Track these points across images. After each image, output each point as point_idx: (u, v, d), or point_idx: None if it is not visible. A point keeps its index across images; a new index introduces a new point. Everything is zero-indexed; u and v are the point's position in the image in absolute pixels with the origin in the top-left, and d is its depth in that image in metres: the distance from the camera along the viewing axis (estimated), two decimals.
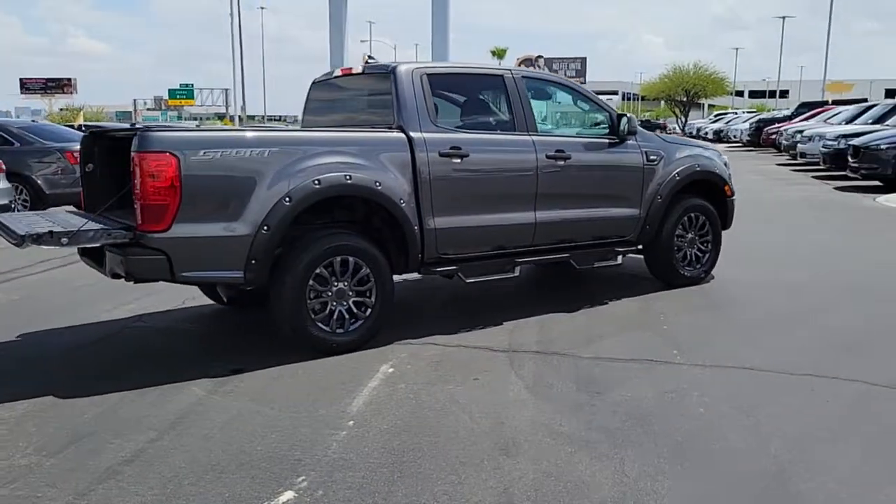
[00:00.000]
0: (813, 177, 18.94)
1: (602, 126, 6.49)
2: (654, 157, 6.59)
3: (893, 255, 8.81)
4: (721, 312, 6.29)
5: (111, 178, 5.65)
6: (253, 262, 4.73)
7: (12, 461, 3.57)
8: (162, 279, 4.75)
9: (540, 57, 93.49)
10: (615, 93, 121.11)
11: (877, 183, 16.02)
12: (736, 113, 49.67)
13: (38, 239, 4.31)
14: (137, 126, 4.63)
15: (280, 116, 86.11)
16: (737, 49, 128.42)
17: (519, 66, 67.79)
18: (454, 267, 5.60)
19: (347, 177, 5.01)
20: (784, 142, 25.27)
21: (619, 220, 6.45)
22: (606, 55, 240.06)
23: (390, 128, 5.42)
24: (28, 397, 4.35)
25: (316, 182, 4.88)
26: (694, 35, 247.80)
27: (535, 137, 5.94)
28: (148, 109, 73.55)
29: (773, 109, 51.45)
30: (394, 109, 5.43)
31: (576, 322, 5.87)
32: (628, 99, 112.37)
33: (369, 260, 5.14)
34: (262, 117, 78.09)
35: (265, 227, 4.73)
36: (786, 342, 5.31)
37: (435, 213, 5.39)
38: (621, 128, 6.34)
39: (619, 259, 6.50)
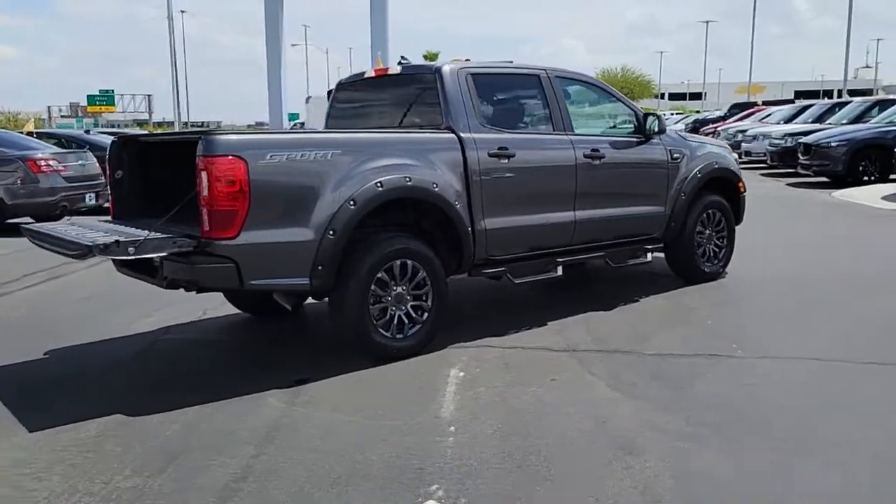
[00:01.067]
0: (762, 174, 19.55)
1: (627, 124, 6.54)
2: (678, 155, 6.68)
3: (874, 246, 9.14)
4: (749, 306, 6.40)
5: (142, 184, 5.44)
6: (319, 267, 4.60)
7: (115, 484, 3.37)
8: (229, 288, 4.58)
9: (468, 61, 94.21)
10: None
11: (824, 179, 16.65)
12: (664, 114, 50.90)
13: (106, 249, 4.09)
14: (193, 130, 4.43)
15: (202, 123, 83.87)
16: (661, 53, 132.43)
17: None
18: (502, 268, 5.56)
19: (407, 179, 4.92)
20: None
21: (648, 217, 6.52)
22: (530, 59, 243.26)
23: (438, 128, 5.34)
24: (93, 416, 4.12)
25: (378, 185, 4.77)
26: (612, 40, 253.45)
27: (572, 137, 5.95)
28: (62, 116, 70.70)
29: (696, 111, 52.81)
30: (441, 110, 5.35)
31: (619, 320, 5.90)
32: None
33: (426, 263, 5.05)
34: (186, 123, 76.13)
35: (331, 232, 4.60)
36: (828, 332, 5.44)
37: (485, 213, 5.34)
38: (649, 126, 6.41)
39: (649, 257, 6.56)
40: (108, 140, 15.29)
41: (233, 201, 4.30)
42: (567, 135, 5.93)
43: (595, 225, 6.09)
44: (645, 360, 4.91)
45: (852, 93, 56.14)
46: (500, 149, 5.42)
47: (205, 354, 5.43)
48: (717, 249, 7.14)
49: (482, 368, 4.81)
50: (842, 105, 21.94)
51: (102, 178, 12.99)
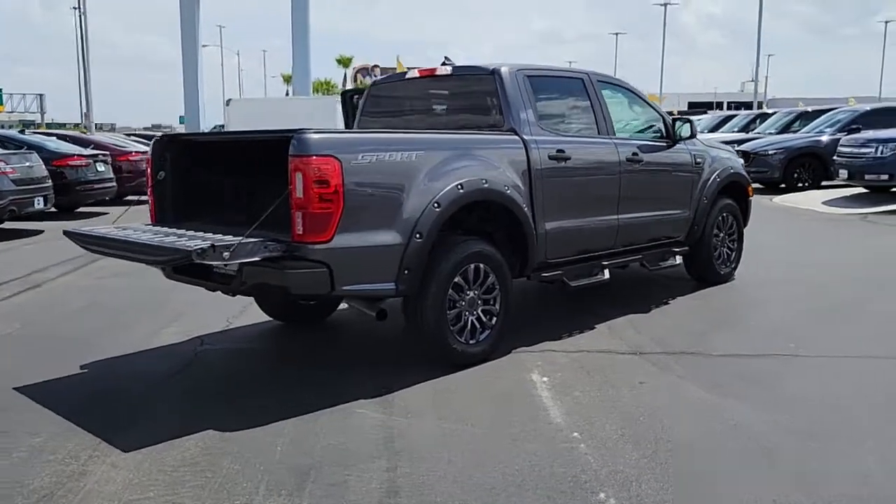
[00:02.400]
0: None
1: (656, 128, 6.61)
2: (700, 160, 6.81)
3: (853, 249, 9.57)
4: (780, 306, 6.45)
5: (185, 186, 5.14)
6: (406, 271, 4.44)
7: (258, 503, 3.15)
8: (319, 294, 4.36)
9: (376, 66, 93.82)
10: None
11: (758, 185, 17.35)
12: None
13: (203, 254, 3.82)
14: (278, 130, 4.17)
15: (76, 123, 79.49)
16: (570, 62, 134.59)
17: (356, 74, 66.82)
18: (559, 271, 5.52)
19: (484, 181, 4.82)
20: None
21: (676, 220, 6.61)
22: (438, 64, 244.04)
23: (501, 130, 5.26)
24: (184, 434, 3.84)
25: (459, 187, 4.65)
26: (519, 48, 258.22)
27: (615, 140, 5.98)
28: None
29: None
30: (503, 112, 5.28)
31: (662, 322, 5.95)
32: None
33: (495, 267, 4.95)
34: (77, 125, 72.55)
35: (418, 235, 4.45)
36: (867, 330, 5.62)
37: (545, 216, 5.29)
38: (678, 132, 6.50)
39: (678, 259, 6.66)
40: (48, 141, 14.51)
41: (327, 203, 4.10)
42: (611, 138, 5.95)
43: (634, 228, 6.13)
44: (716, 361, 4.96)
45: (739, 105, 59.14)
46: (558, 151, 5.38)
47: (256, 365, 5.16)
48: (729, 252, 7.31)
49: (563, 373, 4.75)
50: (764, 116, 22.97)
51: (49, 181, 12.28)
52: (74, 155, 14.02)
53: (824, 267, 8.22)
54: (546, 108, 5.53)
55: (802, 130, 18.36)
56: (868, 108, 17.83)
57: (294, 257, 4.14)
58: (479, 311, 4.92)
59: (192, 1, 39.36)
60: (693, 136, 6.55)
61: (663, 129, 6.56)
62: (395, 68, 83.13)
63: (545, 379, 4.64)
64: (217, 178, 5.24)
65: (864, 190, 14.92)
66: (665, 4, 62.59)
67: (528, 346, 5.28)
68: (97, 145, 16.39)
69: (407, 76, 5.95)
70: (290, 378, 4.80)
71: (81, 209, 14.83)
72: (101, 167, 14.48)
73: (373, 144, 4.38)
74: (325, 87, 69.11)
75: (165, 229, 4.76)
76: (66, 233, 4.80)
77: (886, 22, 74.75)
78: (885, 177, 13.34)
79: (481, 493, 3.22)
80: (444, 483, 3.31)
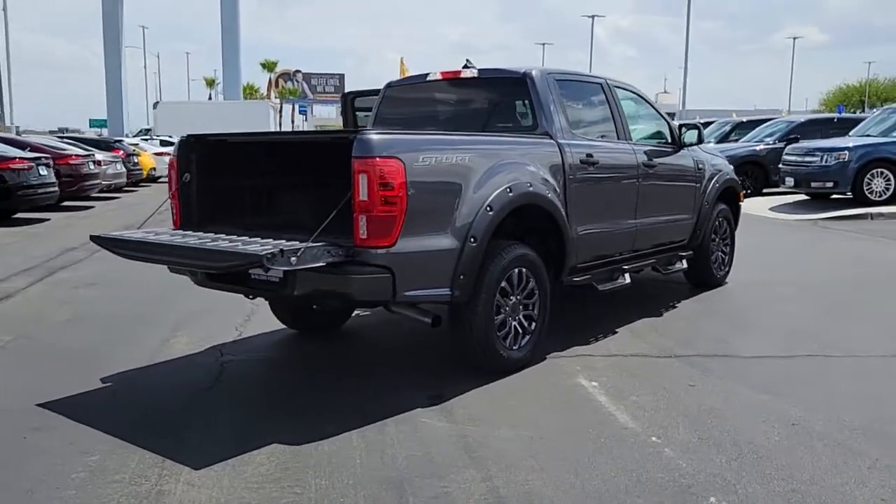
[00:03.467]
0: None
1: (662, 134, 6.68)
2: (701, 166, 6.93)
3: (820, 251, 9.91)
4: (788, 307, 6.53)
5: (211, 189, 4.93)
6: (461, 277, 4.34)
7: None
8: (380, 301, 4.21)
9: (298, 72, 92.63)
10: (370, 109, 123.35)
11: None
12: None
13: (273, 259, 3.64)
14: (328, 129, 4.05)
15: None
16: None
17: (277, 79, 65.98)
18: (588, 275, 5.51)
19: (529, 185, 4.76)
20: None
21: (682, 225, 6.70)
22: (354, 72, 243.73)
23: (535, 133, 5.22)
24: (248, 448, 3.65)
25: (508, 190, 4.59)
26: (433, 57, 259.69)
27: (633, 145, 6.02)
28: None
29: None
30: (536, 115, 5.24)
31: (679, 324, 6.02)
32: None
33: (536, 271, 4.91)
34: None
35: (472, 239, 4.36)
36: (882, 330, 5.82)
37: (578, 220, 5.27)
38: (683, 137, 6.60)
39: (684, 264, 6.74)
40: None
41: (391, 206, 3.97)
42: (629, 143, 5.99)
43: (649, 232, 6.19)
44: (750, 363, 5.02)
45: None
46: (587, 155, 5.38)
47: (289, 375, 4.96)
48: (723, 255, 7.46)
49: (608, 378, 4.72)
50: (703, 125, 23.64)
51: None
52: (16, 158, 13.30)
53: (804, 269, 8.49)
54: (573, 112, 5.52)
55: (742, 140, 18.99)
56: (804, 120, 18.61)
57: (356, 262, 3.99)
58: (521, 317, 4.86)
59: (115, 1, 38.08)
60: (700, 142, 6.66)
61: (669, 135, 6.64)
62: (325, 74, 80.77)
63: (594, 384, 4.61)
64: (247, 181, 5.03)
65: (805, 197, 15.54)
66: (592, 17, 63.99)
67: (560, 350, 5.25)
68: (34, 148, 15.59)
69: (428, 78, 5.83)
70: (329, 387, 4.63)
71: (19, 215, 14.05)
72: (43, 171, 13.79)
73: (432, 145, 4.28)
74: (248, 92, 67.80)
75: (200, 234, 4.53)
76: (95, 238, 4.49)
77: (795, 38, 78.54)
78: (831, 184, 13.91)
79: (592, 501, 3.15)
80: (548, 490, 3.23)
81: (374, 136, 3.97)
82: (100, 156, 18.22)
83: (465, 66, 5.69)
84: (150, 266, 5.19)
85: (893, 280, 7.95)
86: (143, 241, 4.27)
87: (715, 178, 7.08)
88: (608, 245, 5.75)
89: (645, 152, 6.12)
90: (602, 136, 5.80)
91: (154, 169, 24.76)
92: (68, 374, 4.80)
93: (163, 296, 6.92)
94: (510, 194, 4.58)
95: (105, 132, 37.99)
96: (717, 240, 7.30)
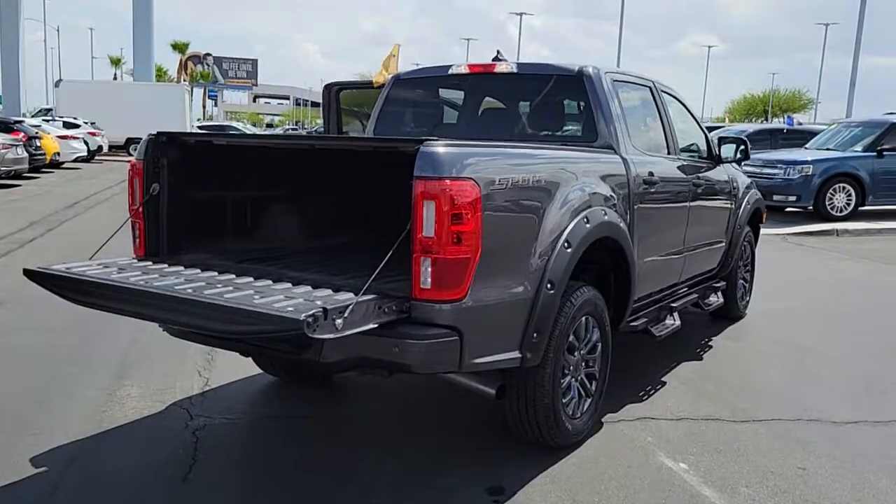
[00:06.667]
0: None
1: (698, 147, 5.79)
2: (736, 184, 6.11)
3: (801, 274, 9.32)
4: (833, 348, 5.78)
5: (185, 205, 3.75)
6: (535, 335, 3.31)
7: None
8: (446, 372, 3.14)
9: (209, 55, 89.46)
10: (287, 97, 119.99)
11: None
12: None
13: (315, 325, 2.51)
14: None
15: None
16: (417, 64, 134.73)
17: (186, 62, 63.50)
18: (645, 318, 4.58)
19: (604, 212, 3.77)
20: None
21: (716, 251, 5.85)
22: (265, 59, 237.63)
23: (594, 146, 4.24)
24: None
25: (585, 220, 3.58)
26: (347, 47, 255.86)
27: (683, 161, 5.13)
28: None
29: None
30: (596, 124, 4.26)
31: (729, 372, 5.17)
32: (300, 104, 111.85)
33: (600, 318, 3.93)
34: None
35: (549, 285, 3.34)
36: None
37: (639, 252, 4.32)
38: (723, 152, 5.75)
39: (720, 297, 5.89)
40: None
41: (465, 245, 2.91)
42: (679, 158, 5.10)
43: (693, 260, 5.32)
44: (847, 432, 4.18)
45: None
46: (650, 173, 4.44)
47: (289, 453, 3.75)
48: (744, 283, 6.67)
49: (694, 454, 3.79)
50: None
51: None
52: None
53: (813, 296, 7.82)
54: (630, 121, 4.55)
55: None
56: (752, 130, 18.32)
57: (413, 321, 2.92)
58: (583, 376, 3.88)
59: None
60: (746, 158, 5.79)
61: (705, 148, 5.76)
62: (237, 59, 78.24)
63: (683, 465, 3.67)
64: (235, 196, 3.87)
65: None
66: (521, 14, 63.74)
67: (613, 411, 4.30)
68: None
69: (451, 71, 4.73)
70: (347, 474, 3.52)
71: None
72: None
73: (507, 161, 3.24)
74: (157, 74, 64.52)
75: (180, 269, 3.34)
76: (32, 275, 3.18)
77: (710, 47, 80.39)
78: (794, 198, 13.51)
79: None
80: None
81: (441, 150, 2.90)
82: None
83: (497, 59, 4.65)
84: None
85: None
86: (109, 283, 3.01)
87: (747, 199, 6.28)
88: (661, 278, 4.84)
89: (693, 168, 5.23)
90: (655, 150, 4.86)
91: (58, 153, 22.56)
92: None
93: (95, 321, 5.59)
94: (587, 225, 3.58)
95: None
96: (741, 266, 6.50)
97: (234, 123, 47.38)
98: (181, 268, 3.34)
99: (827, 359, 5.57)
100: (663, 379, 4.93)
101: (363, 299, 2.73)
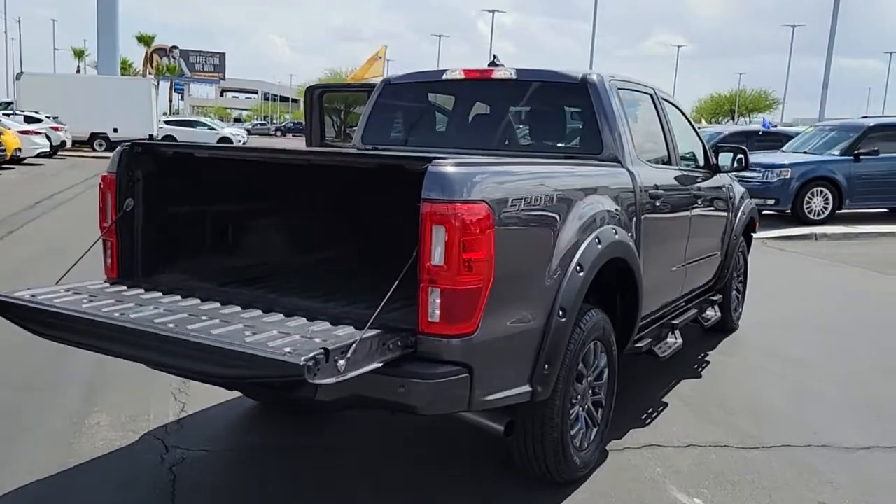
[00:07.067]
0: None
1: (695, 156, 5.59)
2: (732, 193, 5.93)
3: (786, 281, 9.21)
4: (831, 365, 5.63)
5: (161, 221, 3.46)
6: (546, 367, 3.07)
7: None
8: (453, 412, 2.87)
9: (175, 48, 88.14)
10: (255, 92, 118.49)
11: None
12: None
13: (317, 369, 2.24)
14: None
15: None
16: (388, 61, 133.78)
17: (151, 55, 62.22)
18: (649, 339, 4.36)
19: (615, 231, 3.54)
20: None
21: (713, 264, 5.66)
22: (233, 53, 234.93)
23: (599, 158, 4.01)
24: None
25: (597, 241, 3.35)
26: (316, 42, 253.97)
27: (685, 171, 4.92)
28: None
29: None
30: (601, 135, 4.02)
31: (730, 392, 5.00)
32: (268, 99, 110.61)
33: (607, 343, 3.70)
34: None
35: (560, 312, 3.10)
36: None
37: (645, 269, 4.08)
38: (721, 162, 5.55)
39: (717, 311, 5.70)
40: None
41: (476, 274, 2.65)
42: (680, 168, 4.89)
43: (692, 275, 5.12)
44: (860, 459, 4.01)
45: None
46: (654, 186, 4.22)
47: (275, 488, 3.50)
48: (737, 294, 6.50)
49: (707, 488, 3.58)
50: None
51: None
52: None
53: (802, 306, 7.67)
54: (634, 131, 4.32)
55: None
56: (728, 133, 18.27)
57: (420, 357, 2.65)
58: (590, 404, 3.64)
59: None
60: (744, 168, 5.60)
61: (703, 157, 5.56)
62: (203, 52, 77.22)
63: (698, 501, 3.45)
64: (217, 212, 3.57)
65: None
66: (493, 11, 63.52)
67: (617, 437, 4.08)
68: None
69: (445, 76, 4.46)
70: (338, 499, 3.25)
71: None
72: None
73: (519, 179, 2.99)
74: (122, 67, 63.30)
75: (158, 296, 3.04)
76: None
77: (679, 46, 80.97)
78: (773, 201, 13.44)
79: None
80: None
81: (452, 170, 2.64)
82: None
83: (494, 64, 4.40)
84: None
85: None
86: (79, 315, 2.70)
87: (742, 208, 6.10)
88: (664, 295, 4.63)
89: (693, 178, 5.03)
90: (658, 161, 4.64)
91: (19, 149, 21.86)
92: None
93: (32, 343, 5.25)
94: (599, 246, 3.34)
95: None
96: (735, 277, 6.33)
97: (202, 119, 46.54)
98: (159, 294, 3.04)
99: (823, 373, 5.43)
100: (664, 399, 4.73)
101: (367, 336, 2.46)
